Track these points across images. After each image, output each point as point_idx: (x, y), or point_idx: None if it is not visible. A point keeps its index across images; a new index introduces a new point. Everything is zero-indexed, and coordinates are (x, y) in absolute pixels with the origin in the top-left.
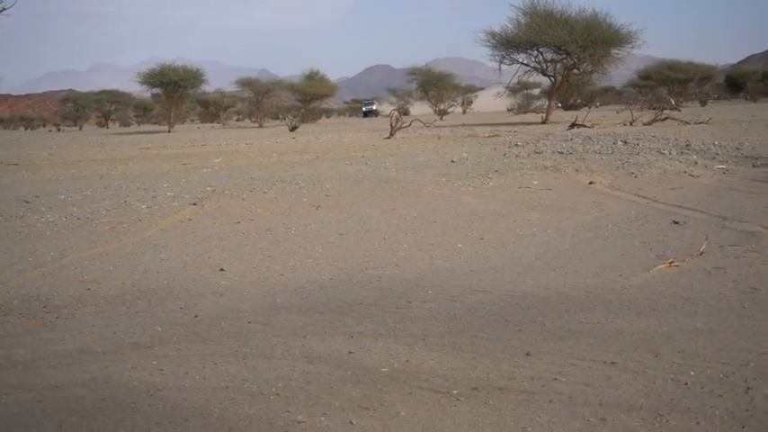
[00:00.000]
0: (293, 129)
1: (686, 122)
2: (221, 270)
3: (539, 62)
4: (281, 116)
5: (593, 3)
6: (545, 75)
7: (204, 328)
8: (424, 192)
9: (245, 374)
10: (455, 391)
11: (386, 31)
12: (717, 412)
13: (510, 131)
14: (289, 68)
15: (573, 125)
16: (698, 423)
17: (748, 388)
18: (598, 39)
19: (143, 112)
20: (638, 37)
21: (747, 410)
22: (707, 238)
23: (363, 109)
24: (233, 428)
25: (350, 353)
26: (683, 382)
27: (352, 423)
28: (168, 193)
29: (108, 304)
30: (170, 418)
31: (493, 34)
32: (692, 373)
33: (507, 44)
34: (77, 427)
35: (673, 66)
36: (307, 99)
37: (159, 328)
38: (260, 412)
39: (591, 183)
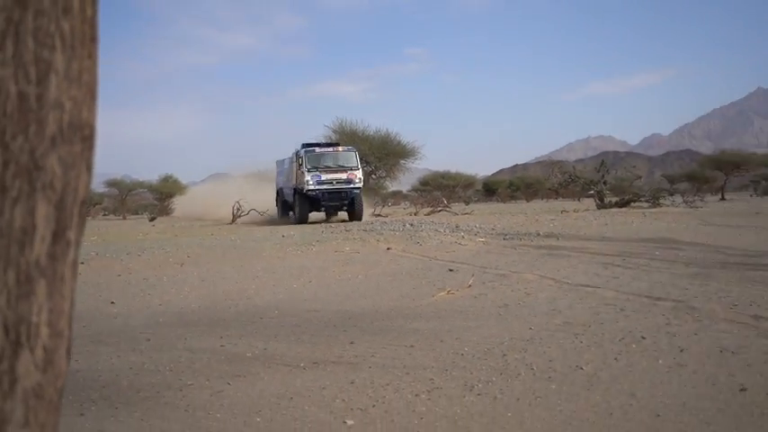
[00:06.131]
0: (152, 219)
1: (455, 213)
2: (112, 303)
3: None
4: (140, 212)
5: (386, 125)
6: None
7: (105, 337)
8: (264, 255)
9: (143, 360)
10: (302, 365)
11: (230, 143)
12: (483, 367)
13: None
14: (148, 173)
15: (374, 215)
16: (471, 373)
17: (504, 354)
18: (390, 152)
19: None
20: (419, 151)
21: (503, 365)
22: (473, 275)
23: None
24: (140, 390)
25: (221, 345)
26: (460, 354)
27: (229, 383)
28: None
29: None
30: (90, 386)
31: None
32: (467, 349)
33: None
34: None
35: (445, 175)
36: (163, 197)
37: None
38: (159, 380)
39: (388, 248)
